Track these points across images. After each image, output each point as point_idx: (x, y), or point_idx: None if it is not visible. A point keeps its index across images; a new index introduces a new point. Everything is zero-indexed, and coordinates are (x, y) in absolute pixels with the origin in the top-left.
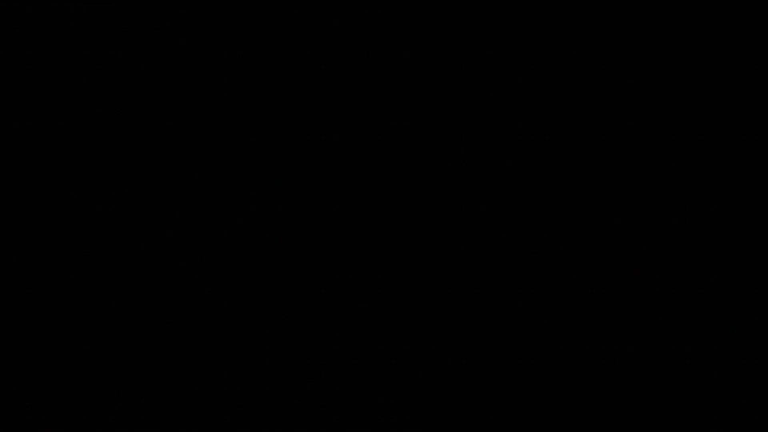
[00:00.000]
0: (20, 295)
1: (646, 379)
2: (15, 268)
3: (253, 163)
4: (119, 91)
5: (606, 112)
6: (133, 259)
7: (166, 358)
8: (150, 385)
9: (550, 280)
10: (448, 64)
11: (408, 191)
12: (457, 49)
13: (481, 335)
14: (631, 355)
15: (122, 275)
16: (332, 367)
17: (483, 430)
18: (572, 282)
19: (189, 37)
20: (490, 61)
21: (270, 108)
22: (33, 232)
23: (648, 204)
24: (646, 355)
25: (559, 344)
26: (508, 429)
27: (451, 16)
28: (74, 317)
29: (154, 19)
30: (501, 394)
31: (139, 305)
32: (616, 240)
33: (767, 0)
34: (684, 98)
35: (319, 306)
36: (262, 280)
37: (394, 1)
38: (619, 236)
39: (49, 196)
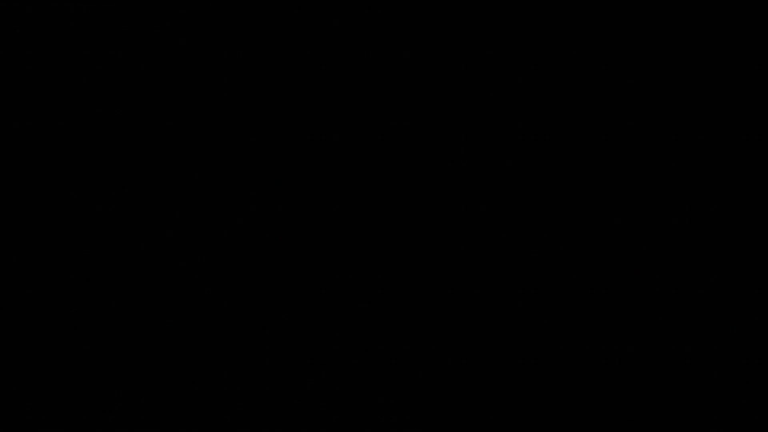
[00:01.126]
0: (20, 295)
1: (646, 379)
2: (15, 268)
3: (253, 163)
4: (119, 91)
5: (606, 112)
6: (133, 259)
7: (166, 358)
8: (150, 385)
9: (550, 280)
10: (448, 64)
11: (408, 191)
12: (457, 49)
13: (481, 335)
14: (631, 355)
15: (122, 275)
16: (332, 367)
17: (483, 430)
18: (572, 282)
19: (189, 37)
20: (490, 61)
21: (270, 108)
22: (33, 232)
23: (648, 204)
24: (646, 355)
25: (559, 344)
26: (508, 429)
27: (451, 16)
28: (74, 317)
29: (154, 19)
30: (501, 394)
31: (139, 305)
32: (616, 240)
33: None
34: (684, 98)
35: (319, 306)
36: (262, 280)
37: (394, 1)
38: (619, 236)
39: (49, 196)
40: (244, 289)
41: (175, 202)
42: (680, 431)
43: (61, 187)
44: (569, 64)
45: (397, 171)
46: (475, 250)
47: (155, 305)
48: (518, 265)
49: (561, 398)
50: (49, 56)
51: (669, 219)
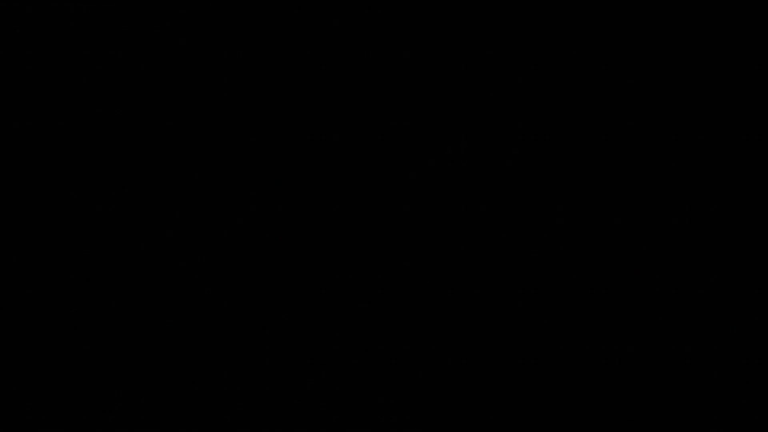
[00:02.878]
0: (20, 295)
1: (646, 379)
2: (15, 268)
3: (253, 163)
4: (119, 91)
5: (606, 112)
6: (133, 259)
7: (166, 358)
8: (150, 385)
9: (550, 280)
10: (448, 64)
11: (408, 191)
12: (457, 49)
13: (481, 335)
14: (631, 355)
15: (122, 275)
16: (332, 367)
17: (483, 430)
18: (572, 282)
19: (189, 37)
20: (490, 61)
21: (270, 108)
22: (33, 232)
23: (648, 204)
24: (646, 355)
25: (559, 344)
26: (508, 429)
27: (451, 16)
28: (74, 317)
29: (154, 19)
30: (501, 394)
31: (139, 305)
32: (616, 240)
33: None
34: (684, 98)
35: (319, 306)
36: (262, 280)
37: (394, 1)
38: (619, 236)
39: (49, 196)
40: (244, 289)
41: (175, 202)
42: (680, 431)
43: (61, 187)
44: (569, 64)
45: (397, 171)
46: (475, 250)
47: (155, 305)
48: (518, 265)
49: (561, 398)
50: (49, 56)
51: (669, 219)
